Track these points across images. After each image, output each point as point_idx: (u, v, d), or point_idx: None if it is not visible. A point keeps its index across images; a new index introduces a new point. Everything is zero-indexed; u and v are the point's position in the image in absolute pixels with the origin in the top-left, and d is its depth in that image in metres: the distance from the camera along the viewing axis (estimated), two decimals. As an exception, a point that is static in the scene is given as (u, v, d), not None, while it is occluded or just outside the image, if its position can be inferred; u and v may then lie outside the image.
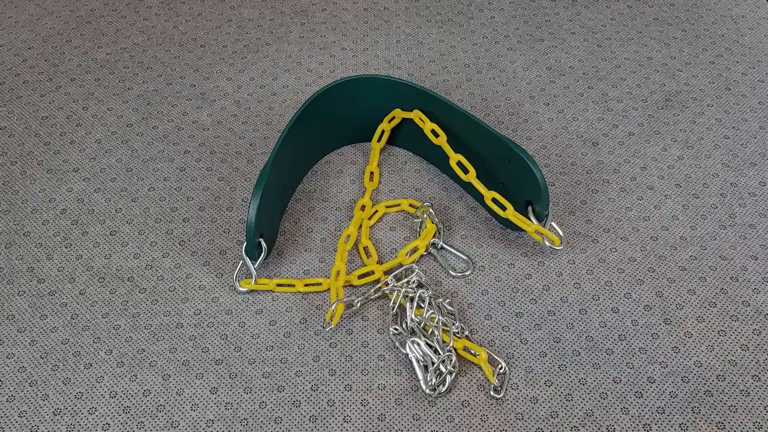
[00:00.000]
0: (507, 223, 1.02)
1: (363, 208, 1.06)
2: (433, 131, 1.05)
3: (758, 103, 1.21)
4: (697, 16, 1.39)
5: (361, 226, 1.04)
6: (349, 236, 1.02)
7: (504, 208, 0.98)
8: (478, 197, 1.06)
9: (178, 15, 1.42)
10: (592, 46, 1.33)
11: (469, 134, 1.04)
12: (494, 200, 1.00)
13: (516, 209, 0.99)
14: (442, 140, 1.04)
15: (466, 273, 0.99)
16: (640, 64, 1.29)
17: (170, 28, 1.39)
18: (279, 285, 0.98)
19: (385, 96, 1.10)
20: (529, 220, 0.97)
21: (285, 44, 1.35)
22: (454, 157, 1.02)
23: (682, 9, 1.40)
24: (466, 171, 1.02)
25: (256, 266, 0.97)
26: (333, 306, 0.93)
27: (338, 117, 1.11)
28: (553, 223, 0.98)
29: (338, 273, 0.97)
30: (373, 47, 1.34)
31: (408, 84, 1.07)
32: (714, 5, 1.41)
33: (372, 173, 1.11)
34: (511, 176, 0.99)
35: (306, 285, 0.98)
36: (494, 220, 1.05)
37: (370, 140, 1.16)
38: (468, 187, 1.08)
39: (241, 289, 0.97)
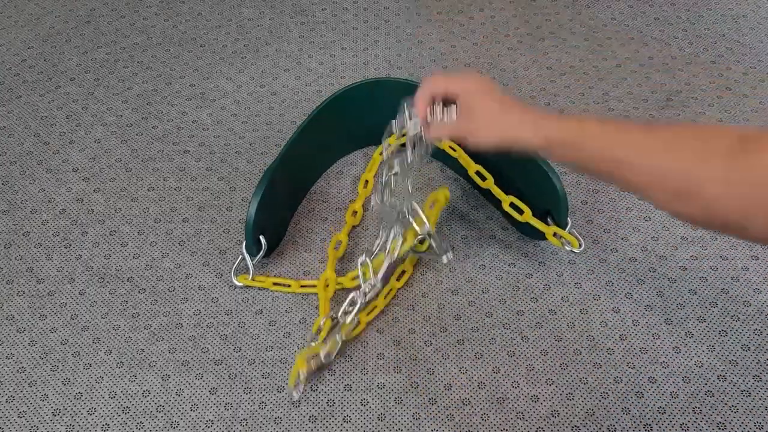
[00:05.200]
0: (526, 230, 1.01)
1: (354, 213, 1.06)
2: (451, 147, 1.04)
3: (759, 103, 1.21)
4: (697, 16, 1.38)
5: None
6: (340, 242, 1.01)
7: (521, 212, 0.97)
8: (497, 204, 1.04)
9: (178, 15, 1.42)
10: (593, 46, 1.33)
11: None
12: (512, 205, 0.99)
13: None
14: (459, 153, 1.03)
15: (444, 261, 0.97)
16: (641, 64, 1.29)
17: (170, 27, 1.39)
18: (275, 284, 0.98)
19: (399, 100, 1.09)
20: (550, 225, 0.96)
21: (285, 44, 1.35)
22: (473, 167, 1.02)
23: (682, 8, 1.40)
24: (484, 179, 1.02)
25: (254, 262, 0.96)
26: (322, 321, 0.92)
27: (351, 121, 1.10)
28: (573, 230, 0.97)
29: (327, 284, 0.96)
30: (373, 47, 1.33)
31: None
32: (714, 5, 1.41)
33: (367, 181, 1.10)
34: (530, 186, 0.98)
35: (302, 286, 0.98)
36: (511, 225, 1.05)
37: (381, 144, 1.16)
38: (486, 195, 1.07)
39: (237, 283, 0.97)
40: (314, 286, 0.97)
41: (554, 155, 0.70)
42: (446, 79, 0.77)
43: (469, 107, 0.75)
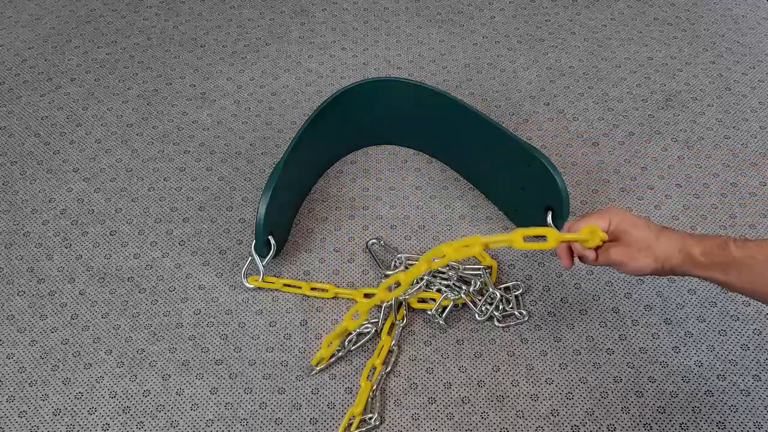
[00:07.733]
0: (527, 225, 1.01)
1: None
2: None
3: (758, 103, 1.21)
4: (697, 16, 1.39)
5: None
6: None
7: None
8: (497, 204, 1.07)
9: (178, 15, 1.42)
10: (592, 46, 1.33)
11: (491, 139, 1.03)
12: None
13: (534, 214, 0.98)
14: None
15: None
16: (641, 64, 1.29)
17: (170, 28, 1.39)
18: (286, 285, 0.98)
19: (403, 99, 1.09)
20: (548, 225, 0.96)
21: (285, 44, 1.35)
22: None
23: (682, 9, 1.40)
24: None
25: (264, 263, 0.96)
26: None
27: (351, 120, 1.10)
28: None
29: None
30: (373, 47, 1.34)
31: (429, 88, 1.06)
32: (714, 5, 1.41)
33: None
34: (532, 181, 0.98)
35: (312, 289, 0.97)
36: (512, 224, 1.05)
37: (386, 143, 1.16)
38: (488, 193, 1.08)
39: (248, 285, 0.97)
40: (326, 290, 0.97)
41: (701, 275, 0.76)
42: (586, 220, 0.80)
43: (625, 238, 0.78)
